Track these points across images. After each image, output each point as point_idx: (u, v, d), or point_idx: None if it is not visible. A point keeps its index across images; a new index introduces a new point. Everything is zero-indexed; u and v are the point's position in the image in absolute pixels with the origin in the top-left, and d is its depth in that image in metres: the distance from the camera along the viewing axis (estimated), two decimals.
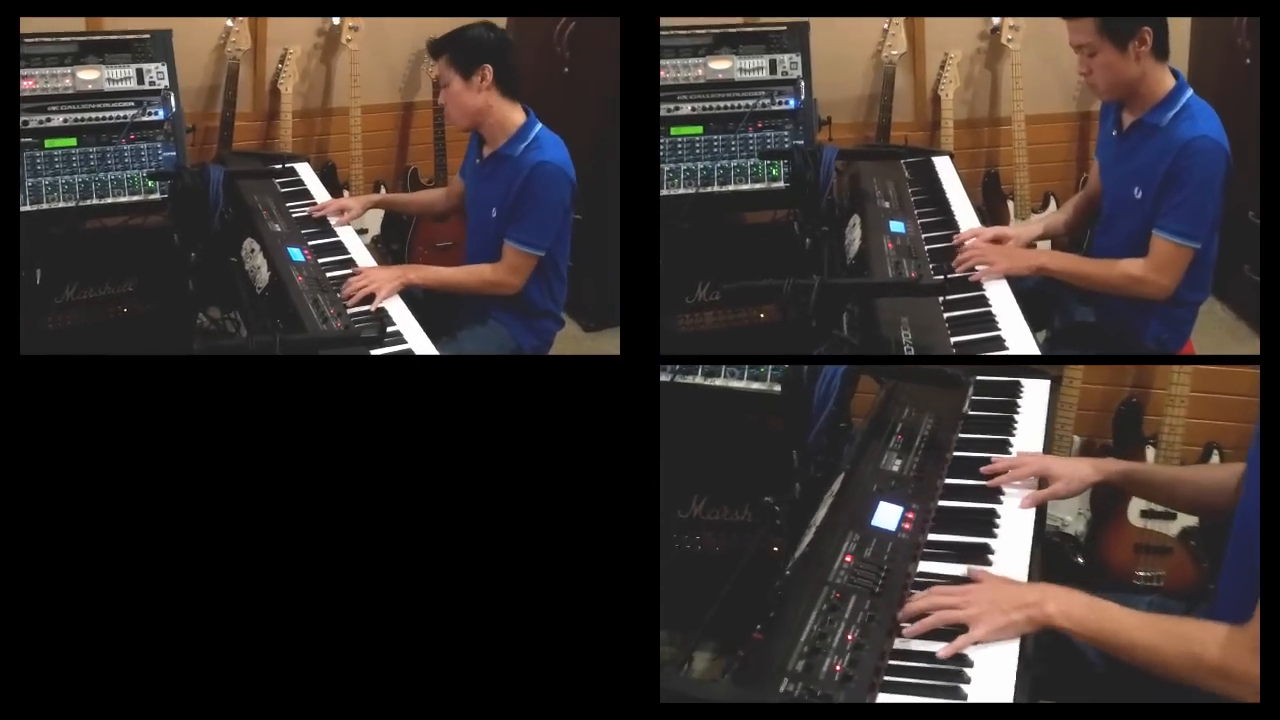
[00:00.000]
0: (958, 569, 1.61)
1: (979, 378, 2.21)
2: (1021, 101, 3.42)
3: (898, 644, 1.46)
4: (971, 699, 1.36)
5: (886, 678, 1.40)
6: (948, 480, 1.87)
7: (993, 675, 1.39)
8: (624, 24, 2.59)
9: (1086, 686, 1.60)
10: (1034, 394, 2.17)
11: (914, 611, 1.48)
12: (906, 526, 1.72)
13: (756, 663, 1.42)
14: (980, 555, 1.65)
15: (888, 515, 1.74)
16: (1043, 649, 1.48)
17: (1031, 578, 1.62)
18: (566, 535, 1.70)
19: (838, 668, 1.40)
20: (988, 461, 1.87)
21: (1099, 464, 1.85)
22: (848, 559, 1.61)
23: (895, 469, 1.88)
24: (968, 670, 1.40)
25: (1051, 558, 2.73)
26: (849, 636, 1.45)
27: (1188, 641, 1.38)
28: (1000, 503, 1.78)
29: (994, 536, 1.70)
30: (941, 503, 1.81)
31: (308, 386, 1.75)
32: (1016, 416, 2.08)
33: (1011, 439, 2.00)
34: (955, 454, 1.95)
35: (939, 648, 1.42)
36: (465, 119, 2.49)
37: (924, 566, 1.64)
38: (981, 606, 1.45)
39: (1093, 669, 1.58)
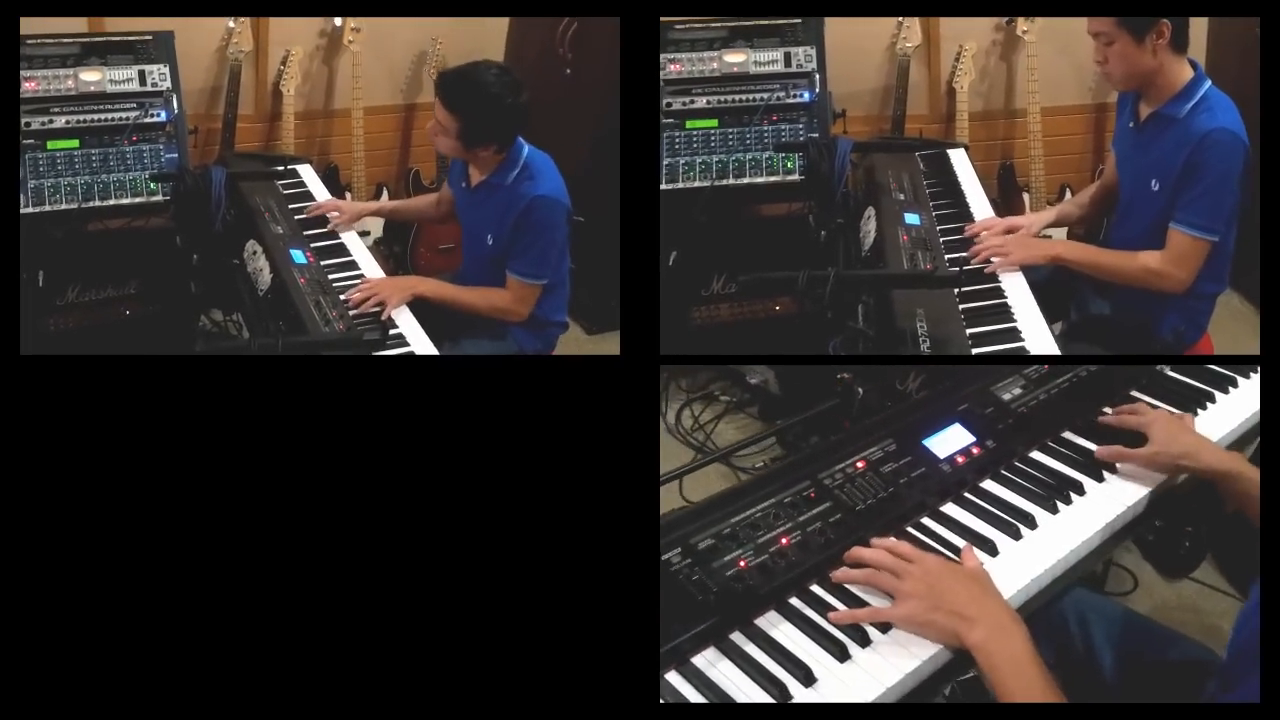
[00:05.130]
0: (984, 529, 1.47)
1: None
2: (1037, 93, 3.48)
3: (836, 573, 1.34)
4: (851, 666, 1.24)
5: (790, 599, 1.28)
6: (1067, 434, 1.67)
7: (896, 653, 1.26)
8: (624, 24, 2.65)
9: None
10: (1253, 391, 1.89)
11: (858, 558, 1.37)
12: (960, 460, 1.55)
13: (674, 523, 1.30)
14: (1014, 525, 1.48)
15: (950, 439, 1.58)
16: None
17: (1061, 582, 1.44)
18: (566, 535, 1.71)
19: (741, 563, 1.29)
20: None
21: (1208, 454, 1.60)
22: (859, 464, 1.48)
23: (1006, 398, 1.70)
24: (875, 632, 1.28)
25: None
26: (782, 540, 1.33)
27: None
28: (1100, 480, 1.58)
29: (1053, 512, 1.51)
30: (1035, 454, 1.62)
31: (308, 386, 1.77)
32: (1221, 397, 1.85)
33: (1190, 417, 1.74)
34: (1108, 409, 1.73)
35: (873, 602, 1.31)
36: (454, 155, 2.55)
37: (948, 509, 1.49)
38: (917, 588, 1.31)
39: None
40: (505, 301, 2.55)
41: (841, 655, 1.26)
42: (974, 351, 2.04)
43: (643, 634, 1.50)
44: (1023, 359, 2.04)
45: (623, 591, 1.66)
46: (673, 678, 1.21)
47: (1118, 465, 1.64)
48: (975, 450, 1.59)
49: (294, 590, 1.71)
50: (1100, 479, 1.61)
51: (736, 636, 1.27)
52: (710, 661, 1.25)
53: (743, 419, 2.15)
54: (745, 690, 1.21)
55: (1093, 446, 1.66)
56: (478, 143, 2.43)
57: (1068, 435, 1.70)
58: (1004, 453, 1.62)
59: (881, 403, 1.71)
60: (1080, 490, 1.58)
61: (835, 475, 1.47)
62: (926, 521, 1.49)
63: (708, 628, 1.25)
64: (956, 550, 1.44)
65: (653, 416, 1.79)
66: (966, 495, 1.54)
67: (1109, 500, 1.57)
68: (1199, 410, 1.83)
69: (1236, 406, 1.86)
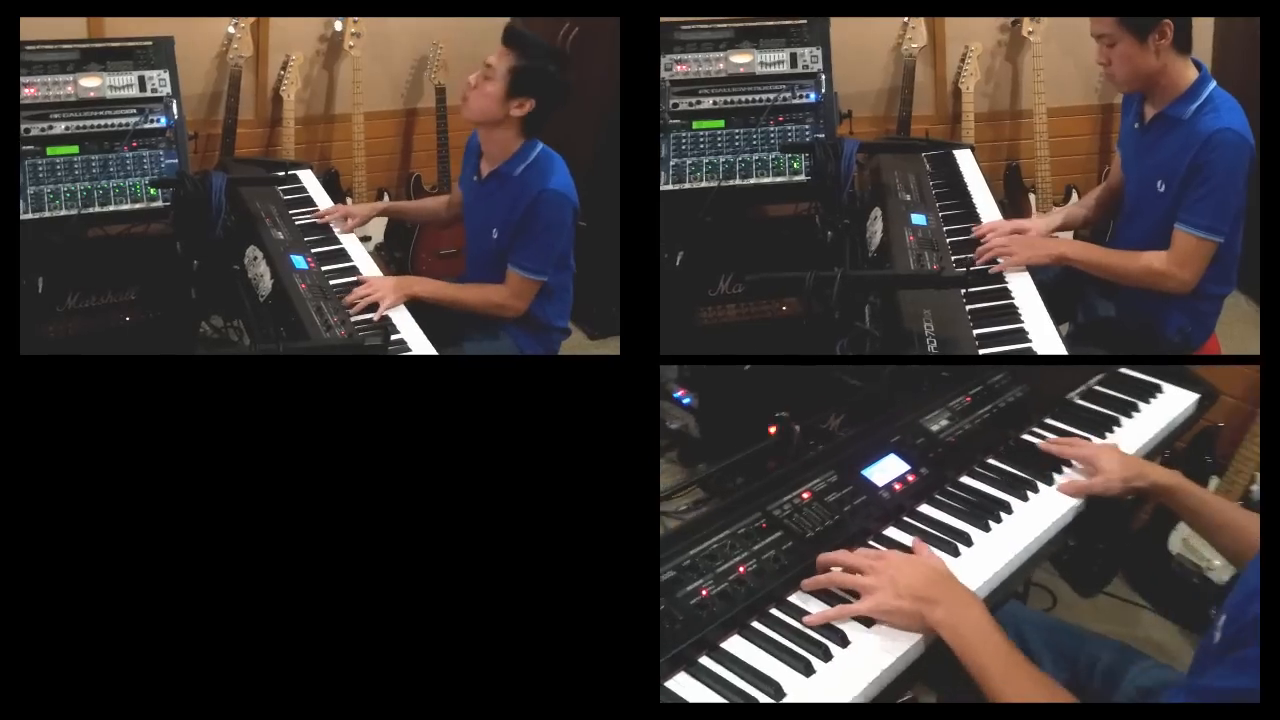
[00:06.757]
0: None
1: (1122, 370, 2.19)
2: (1043, 94, 3.52)
3: (792, 598, 1.44)
4: (818, 677, 1.33)
5: (753, 623, 1.39)
6: (991, 460, 1.83)
7: (855, 667, 1.36)
8: (624, 24, 2.68)
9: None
10: (1165, 405, 2.11)
11: (824, 562, 1.49)
12: (898, 487, 1.69)
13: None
14: (953, 543, 1.61)
15: (886, 469, 1.71)
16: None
17: (1000, 592, 1.57)
18: (566, 535, 1.73)
19: (704, 592, 1.39)
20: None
21: (1148, 471, 1.78)
22: (805, 495, 1.60)
23: (934, 429, 1.85)
24: (835, 648, 1.37)
25: (1184, 601, 2.76)
26: (740, 569, 1.43)
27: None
28: (1025, 499, 1.74)
29: (985, 530, 1.65)
30: (965, 479, 1.77)
31: (310, 387, 1.79)
32: (1125, 421, 2.04)
33: (1097, 440, 1.94)
34: (1026, 436, 1.92)
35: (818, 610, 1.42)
36: (478, 116, 2.55)
37: (890, 532, 1.62)
38: (880, 581, 1.42)
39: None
40: (502, 297, 2.57)
41: (806, 670, 1.35)
42: (981, 352, 2.08)
43: (643, 634, 1.53)
44: (1030, 360, 2.09)
45: (623, 590, 1.69)
46: None
47: (1041, 487, 1.79)
48: (911, 478, 1.73)
49: (293, 594, 1.73)
50: (1025, 499, 1.76)
51: (705, 660, 1.36)
52: (683, 685, 1.32)
53: (662, 464, 2.22)
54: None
55: (1014, 470, 1.82)
56: (520, 91, 2.46)
57: (992, 460, 1.85)
58: (937, 478, 1.75)
59: (806, 441, 1.82)
60: (1009, 509, 1.72)
61: (784, 506, 1.58)
62: (872, 544, 1.60)
63: (678, 654, 1.33)
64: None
65: (652, 416, 1.82)
66: (906, 519, 1.67)
67: (1036, 517, 1.72)
68: (1106, 433, 2.00)
69: (1139, 429, 2.04)
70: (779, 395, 1.90)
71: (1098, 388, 2.15)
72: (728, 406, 1.97)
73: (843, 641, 1.40)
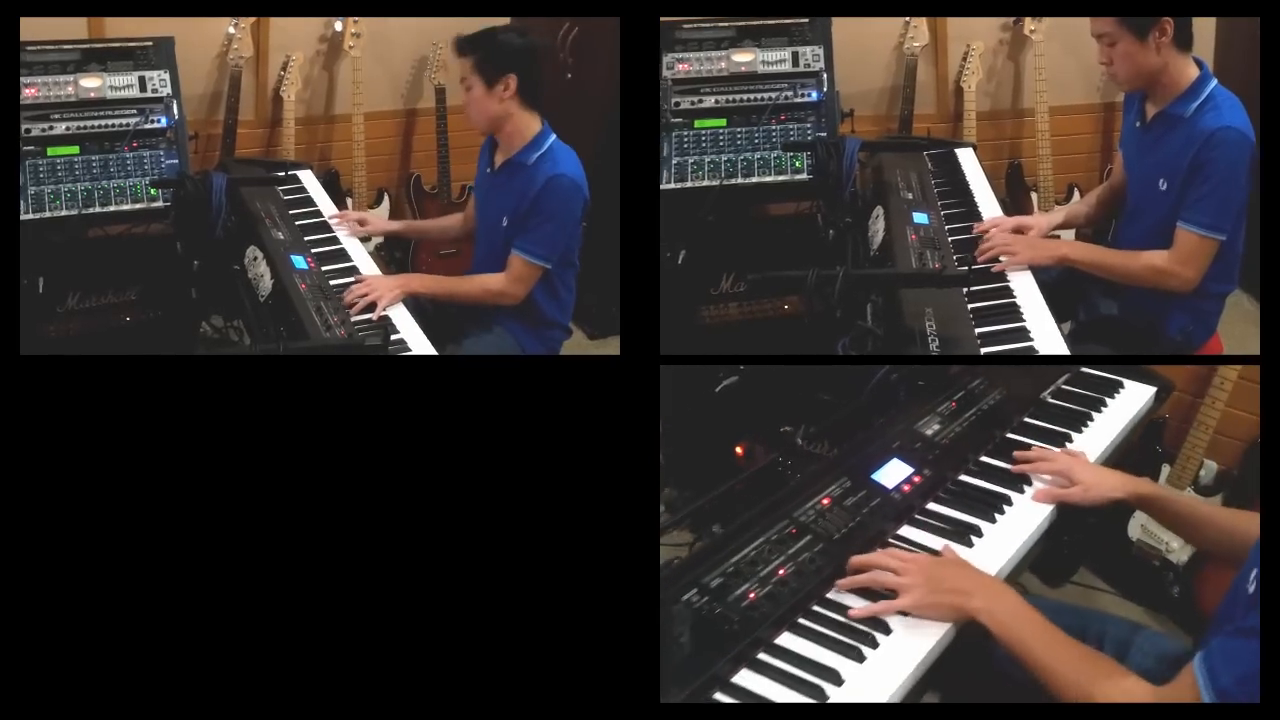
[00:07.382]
0: (938, 542, 1.69)
1: (1082, 369, 2.27)
2: (1045, 93, 3.53)
3: (830, 594, 1.54)
4: (868, 666, 1.42)
5: (799, 619, 1.49)
6: (984, 458, 1.92)
7: (901, 651, 1.45)
8: (624, 24, 2.68)
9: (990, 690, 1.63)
10: (1128, 400, 2.20)
11: (858, 564, 1.57)
12: (906, 488, 1.79)
13: (682, 568, 1.52)
14: (966, 535, 1.71)
15: (893, 472, 1.81)
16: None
17: (1013, 576, 1.68)
18: (566, 535, 1.75)
19: (751, 595, 1.49)
20: (1030, 448, 1.93)
21: (1126, 482, 1.84)
22: (825, 501, 1.71)
23: (929, 433, 1.95)
24: (879, 636, 1.46)
25: (1148, 583, 2.83)
26: (780, 571, 1.54)
27: (1091, 680, 1.39)
28: (1021, 492, 1.83)
29: (992, 521, 1.75)
30: (963, 477, 1.87)
31: (310, 387, 1.80)
32: (1095, 416, 2.12)
33: (1076, 435, 2.04)
34: (1010, 435, 2.02)
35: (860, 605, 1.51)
36: (484, 123, 2.58)
37: (905, 531, 1.72)
38: (916, 579, 1.52)
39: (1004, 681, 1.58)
40: (500, 284, 2.57)
41: (859, 657, 1.44)
42: (982, 351, 2.09)
43: (643, 632, 1.58)
44: (1031, 359, 2.10)
45: (623, 590, 1.71)
46: (719, 697, 1.38)
47: (1035, 479, 1.86)
48: (916, 479, 1.83)
49: (292, 597, 1.74)
50: (1022, 490, 1.85)
51: (764, 656, 1.44)
52: (749, 680, 1.41)
53: None
54: (786, 697, 1.39)
55: (1008, 465, 1.91)
56: (498, 71, 2.48)
57: (985, 458, 1.95)
58: (939, 478, 1.86)
59: (777, 458, 1.90)
60: (1010, 501, 1.81)
61: (808, 512, 1.69)
62: (892, 543, 1.70)
63: (739, 652, 1.42)
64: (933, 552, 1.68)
65: (653, 416, 1.84)
66: (918, 517, 1.78)
67: (1036, 507, 1.82)
68: (1083, 427, 2.08)
69: (1108, 424, 2.12)
70: (744, 415, 1.95)
71: (1065, 387, 2.23)
72: (692, 427, 2.00)
73: (885, 629, 1.48)
